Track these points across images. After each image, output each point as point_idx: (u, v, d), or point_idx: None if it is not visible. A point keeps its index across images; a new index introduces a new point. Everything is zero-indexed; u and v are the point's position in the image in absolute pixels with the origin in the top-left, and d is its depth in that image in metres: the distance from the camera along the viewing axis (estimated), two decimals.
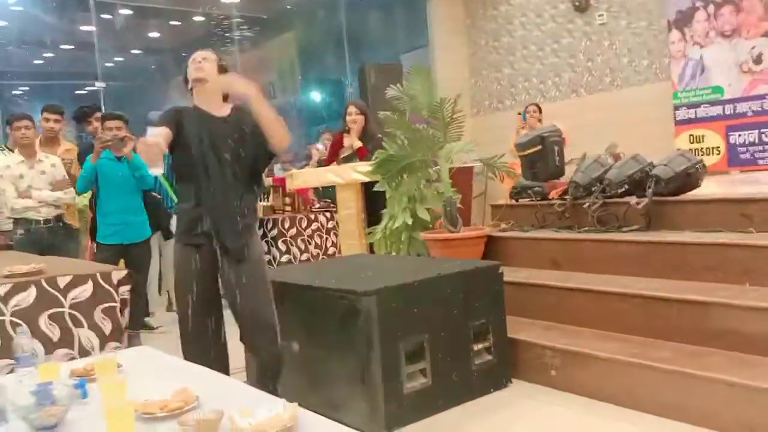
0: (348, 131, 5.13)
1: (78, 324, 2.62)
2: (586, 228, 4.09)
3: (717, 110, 6.48)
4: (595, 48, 7.93)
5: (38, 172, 4.58)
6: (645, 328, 3.18)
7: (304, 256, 6.27)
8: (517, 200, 4.86)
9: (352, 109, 5.10)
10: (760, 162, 6.17)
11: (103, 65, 7.79)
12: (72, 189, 4.65)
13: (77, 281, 2.64)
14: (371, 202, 4.79)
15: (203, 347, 2.76)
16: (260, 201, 5.97)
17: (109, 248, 4.48)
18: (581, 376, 3.10)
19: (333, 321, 2.97)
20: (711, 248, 3.34)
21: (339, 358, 2.96)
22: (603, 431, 2.78)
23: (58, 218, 4.61)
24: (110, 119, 4.63)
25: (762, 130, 6.15)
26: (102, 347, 2.64)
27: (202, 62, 2.73)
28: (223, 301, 2.83)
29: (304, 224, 6.33)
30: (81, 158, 4.90)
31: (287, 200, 6.53)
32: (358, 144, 5.01)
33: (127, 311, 2.80)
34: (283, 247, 6.14)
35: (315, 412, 1.59)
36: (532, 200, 4.72)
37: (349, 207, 4.84)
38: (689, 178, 3.94)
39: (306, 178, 5.39)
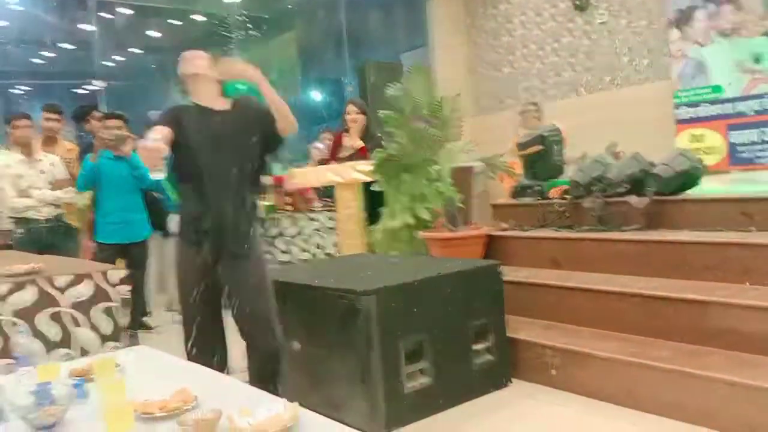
0: (348, 130, 5.12)
1: (77, 323, 2.61)
2: (586, 227, 4.09)
3: (717, 109, 6.47)
4: (595, 47, 7.91)
5: (38, 172, 4.58)
6: (645, 328, 3.18)
7: (304, 256, 6.27)
8: (517, 199, 4.86)
9: (351, 108, 5.09)
10: (761, 161, 6.15)
11: (103, 64, 7.78)
12: (72, 188, 4.65)
13: (77, 281, 2.64)
14: (371, 201, 4.78)
15: (205, 345, 2.76)
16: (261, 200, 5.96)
17: (108, 247, 4.48)
18: (581, 376, 3.10)
19: (333, 320, 2.96)
20: (711, 247, 3.34)
21: (339, 357, 2.96)
22: (603, 430, 2.77)
23: (58, 218, 4.61)
24: (110, 118, 4.64)
25: (762, 129, 6.13)
26: (101, 347, 2.63)
27: (194, 60, 2.74)
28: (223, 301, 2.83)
29: (304, 223, 6.32)
30: (81, 157, 4.90)
31: (287, 199, 6.52)
32: (358, 143, 5.01)
33: (126, 311, 2.80)
34: (282, 247, 6.14)
35: (315, 411, 1.58)
36: (532, 200, 4.71)
37: (349, 206, 4.84)
38: (689, 177, 3.93)
39: (306, 177, 5.39)
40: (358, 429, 1.49)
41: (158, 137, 2.53)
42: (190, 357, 2.73)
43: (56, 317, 2.58)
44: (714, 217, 3.62)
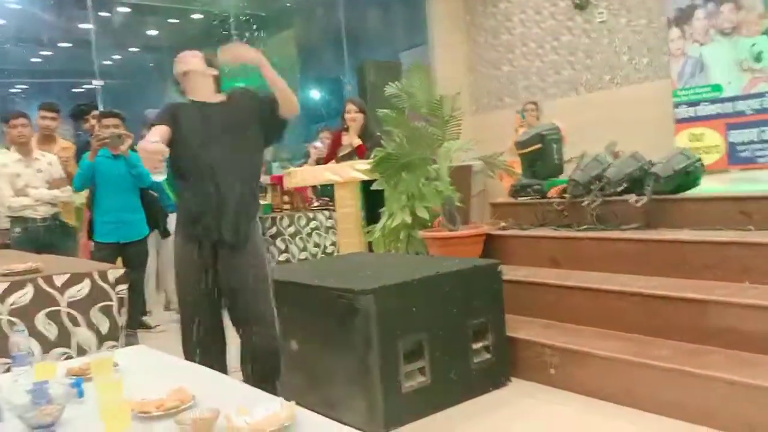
0: (347, 129, 5.12)
1: (75, 323, 2.61)
2: (585, 226, 4.08)
3: (717, 108, 6.47)
4: (595, 46, 7.92)
5: (35, 171, 4.56)
6: (644, 327, 3.18)
7: (303, 255, 6.27)
8: (516, 198, 4.85)
9: (350, 107, 5.09)
10: (760, 160, 6.15)
11: (101, 63, 7.77)
12: (69, 187, 4.64)
13: (74, 280, 2.63)
14: (370, 200, 4.78)
15: (204, 343, 2.76)
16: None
17: (106, 246, 4.47)
18: (580, 375, 3.10)
19: (331, 320, 2.96)
20: (710, 246, 3.33)
21: (337, 356, 2.96)
22: (602, 429, 2.77)
23: (55, 217, 4.59)
24: (107, 117, 4.62)
25: (762, 129, 6.14)
26: (99, 346, 2.62)
27: (186, 58, 2.77)
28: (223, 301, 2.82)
29: (302, 222, 6.32)
30: (78, 156, 4.89)
31: (285, 198, 6.52)
32: (357, 142, 5.00)
33: (124, 310, 2.79)
34: (281, 246, 6.13)
35: (313, 411, 1.58)
36: (531, 198, 4.71)
37: (348, 205, 4.83)
38: (688, 176, 3.93)
39: (304, 176, 5.38)
40: (356, 428, 1.48)
41: (156, 139, 2.53)
42: (188, 355, 2.73)
43: (54, 316, 2.57)
44: (713, 216, 3.62)
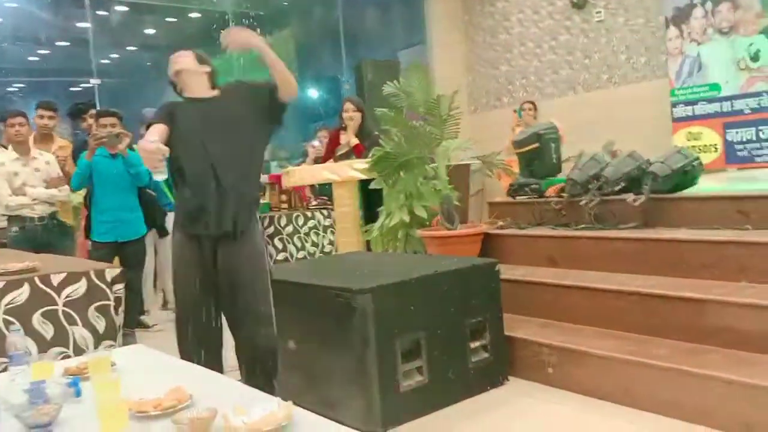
0: (344, 128, 5.11)
1: (72, 322, 2.60)
2: (583, 225, 4.08)
3: (714, 107, 6.47)
4: (593, 45, 7.92)
5: (33, 170, 4.56)
6: (642, 326, 3.18)
7: (301, 254, 6.26)
8: (514, 197, 4.85)
9: (348, 105, 5.08)
10: (758, 159, 6.16)
11: (99, 62, 7.75)
12: (66, 186, 4.63)
13: (71, 279, 2.63)
14: (368, 199, 4.77)
15: (200, 342, 2.76)
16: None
17: (103, 246, 4.46)
18: (578, 374, 3.10)
19: (329, 319, 2.95)
20: (707, 245, 3.34)
21: (335, 356, 2.95)
22: (600, 429, 2.77)
23: (53, 216, 4.59)
24: (105, 116, 4.61)
25: (759, 128, 6.14)
26: (96, 345, 2.62)
27: (178, 58, 2.80)
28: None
29: (300, 222, 6.32)
30: (75, 155, 4.88)
31: (283, 198, 6.51)
32: (355, 141, 5.00)
33: (121, 309, 2.79)
34: (279, 245, 6.13)
35: (311, 410, 1.58)
36: (529, 198, 4.71)
37: (346, 204, 4.83)
38: (686, 176, 3.93)
39: (302, 175, 5.37)
40: (353, 428, 1.48)
41: (155, 138, 2.54)
42: (184, 354, 2.72)
43: (51, 316, 2.57)
44: (711, 216, 3.62)
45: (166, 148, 2.49)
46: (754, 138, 6.19)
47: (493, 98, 9.20)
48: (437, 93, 4.40)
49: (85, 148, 4.49)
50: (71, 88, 8.21)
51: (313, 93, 10.95)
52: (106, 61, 8.28)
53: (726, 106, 6.39)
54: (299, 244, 6.27)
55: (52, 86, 8.38)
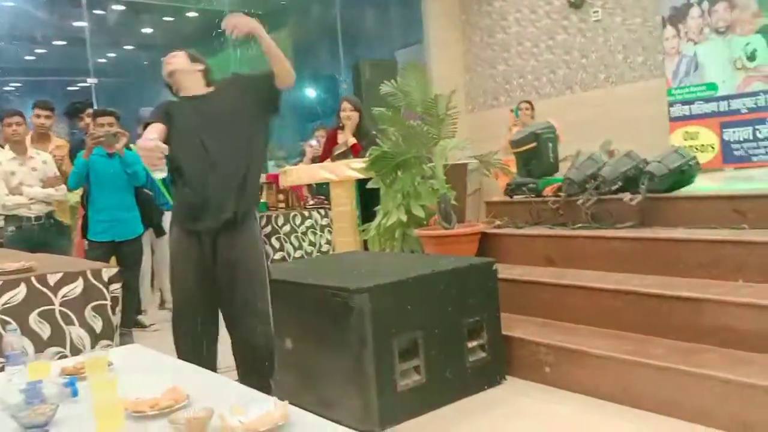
0: (342, 128, 5.11)
1: (69, 322, 2.60)
2: (580, 225, 4.09)
3: (711, 107, 6.49)
4: (590, 44, 7.93)
5: (29, 169, 4.55)
6: (639, 325, 3.18)
7: (298, 253, 6.26)
8: (511, 197, 4.85)
9: (346, 105, 5.08)
10: (754, 159, 6.18)
11: (96, 61, 7.74)
12: (63, 186, 4.62)
13: (67, 279, 2.62)
14: (365, 198, 4.77)
15: (196, 339, 2.75)
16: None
17: (100, 245, 4.45)
18: (575, 373, 3.10)
19: (326, 318, 2.95)
20: (704, 245, 3.34)
21: (332, 355, 2.95)
22: (597, 428, 2.77)
23: (50, 215, 4.58)
24: (101, 115, 4.60)
25: (756, 127, 6.16)
26: (93, 345, 2.61)
27: (170, 59, 2.83)
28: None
29: (297, 221, 6.31)
30: (72, 155, 4.87)
31: (281, 197, 6.51)
32: (352, 140, 5.00)
33: (118, 309, 2.78)
34: (276, 244, 6.12)
35: (307, 410, 1.58)
36: (526, 197, 4.71)
37: (343, 204, 4.83)
38: (683, 175, 3.94)
39: (299, 174, 5.37)
40: (350, 427, 1.48)
41: (154, 136, 2.55)
42: (179, 351, 2.72)
43: (47, 316, 2.56)
44: (707, 215, 3.62)
45: (165, 146, 2.50)
46: (751, 137, 6.21)
47: (491, 98, 9.21)
48: (435, 92, 4.40)
49: (82, 147, 4.48)
50: (68, 88, 8.20)
51: (311, 92, 10.95)
52: (103, 61, 8.27)
53: (723, 106, 6.40)
54: (296, 244, 6.26)
55: (49, 85, 8.37)
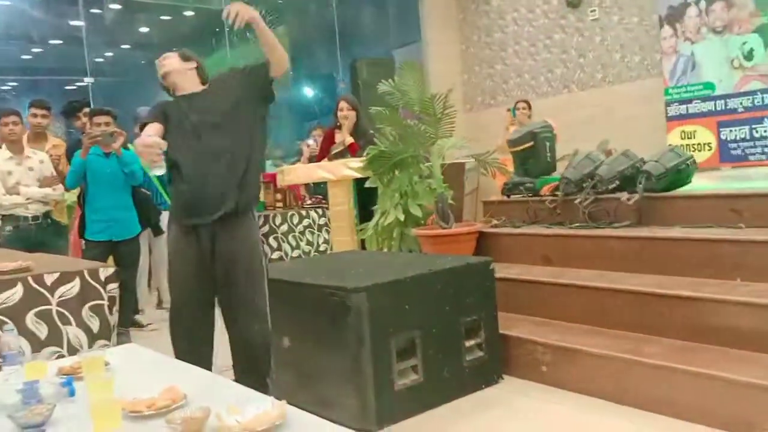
0: (339, 127, 5.11)
1: (66, 322, 2.59)
2: (577, 224, 4.09)
3: (708, 106, 6.50)
4: (587, 44, 7.94)
5: (26, 169, 4.54)
6: (636, 324, 3.19)
7: (296, 253, 6.25)
8: (508, 196, 4.86)
9: (343, 104, 5.08)
10: (751, 158, 6.19)
11: (92, 60, 7.73)
12: (60, 185, 4.61)
13: (64, 278, 2.61)
14: (363, 198, 4.77)
15: (193, 338, 2.75)
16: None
17: (97, 245, 4.45)
18: (573, 372, 3.10)
19: (324, 318, 2.95)
20: (701, 244, 3.35)
21: (329, 355, 2.95)
22: (595, 427, 2.78)
23: (47, 215, 4.57)
24: (98, 115, 4.59)
25: (753, 126, 6.17)
26: (90, 345, 2.61)
27: (163, 61, 2.84)
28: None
29: (295, 220, 6.30)
30: (69, 154, 4.86)
31: (278, 196, 6.50)
32: (350, 140, 5.00)
33: (115, 309, 2.77)
34: (274, 244, 6.11)
35: (305, 409, 1.58)
36: (523, 196, 4.71)
37: (341, 203, 4.82)
38: (680, 174, 3.94)
39: (297, 174, 5.37)
40: (348, 427, 1.48)
41: (151, 132, 2.59)
42: (178, 351, 2.72)
43: (44, 315, 2.55)
44: (704, 214, 3.63)
45: (164, 142, 2.53)
46: (748, 137, 6.22)
47: (488, 97, 9.21)
48: (432, 91, 4.40)
49: (79, 146, 4.47)
50: (65, 87, 8.18)
51: (308, 91, 10.94)
52: (100, 60, 8.25)
53: (720, 105, 6.42)
54: (294, 243, 6.26)
55: (46, 85, 8.34)
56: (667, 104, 6.81)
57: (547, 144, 4.78)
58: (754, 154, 6.18)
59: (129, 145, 4.48)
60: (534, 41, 8.51)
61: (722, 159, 6.39)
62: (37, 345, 2.51)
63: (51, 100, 5.37)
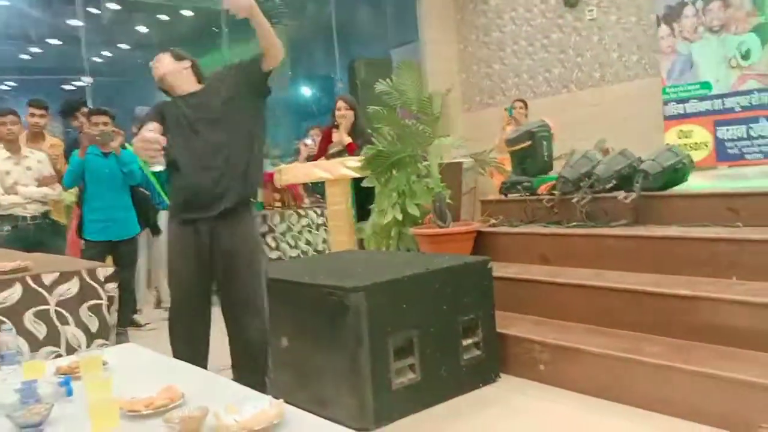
0: (337, 126, 5.11)
1: (64, 321, 2.60)
2: (574, 223, 4.10)
3: (705, 105, 6.51)
4: (585, 43, 7.95)
5: (24, 168, 4.54)
6: (633, 323, 3.20)
7: (294, 253, 6.26)
8: (506, 195, 4.86)
9: (341, 104, 5.08)
10: (748, 157, 6.20)
11: (90, 60, 7.72)
12: (58, 185, 4.61)
13: (63, 278, 2.62)
14: (361, 197, 4.77)
15: (192, 336, 2.76)
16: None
17: (96, 245, 4.45)
18: (570, 371, 3.11)
19: (322, 317, 2.96)
20: (698, 243, 3.35)
21: (328, 354, 2.96)
22: (592, 426, 2.78)
23: (45, 215, 4.57)
24: (96, 114, 4.60)
25: (750, 126, 6.18)
26: (89, 345, 2.61)
27: (156, 63, 2.85)
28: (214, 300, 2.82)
29: (293, 220, 6.31)
30: (67, 153, 4.86)
31: (276, 196, 6.51)
32: (347, 139, 5.00)
33: (114, 308, 2.78)
34: (272, 243, 6.12)
35: (303, 408, 1.58)
36: (521, 195, 4.72)
37: (339, 202, 4.83)
38: (677, 173, 3.95)
39: (295, 173, 5.37)
40: (345, 425, 1.48)
41: (151, 128, 2.60)
42: (176, 349, 2.72)
43: (43, 315, 2.56)
44: (701, 213, 3.64)
45: (164, 138, 2.54)
46: (745, 136, 6.23)
47: (486, 96, 9.21)
48: (430, 91, 4.41)
49: (76, 146, 4.47)
50: (63, 87, 8.18)
51: (306, 91, 10.94)
52: (98, 60, 8.24)
53: (717, 104, 6.42)
54: (292, 243, 6.26)
55: (44, 84, 8.34)
56: (665, 103, 6.82)
57: (545, 143, 4.78)
58: (750, 153, 6.19)
59: (127, 145, 4.48)
60: (532, 41, 8.52)
61: (719, 158, 6.40)
62: (35, 344, 2.51)
63: (49, 99, 5.37)
